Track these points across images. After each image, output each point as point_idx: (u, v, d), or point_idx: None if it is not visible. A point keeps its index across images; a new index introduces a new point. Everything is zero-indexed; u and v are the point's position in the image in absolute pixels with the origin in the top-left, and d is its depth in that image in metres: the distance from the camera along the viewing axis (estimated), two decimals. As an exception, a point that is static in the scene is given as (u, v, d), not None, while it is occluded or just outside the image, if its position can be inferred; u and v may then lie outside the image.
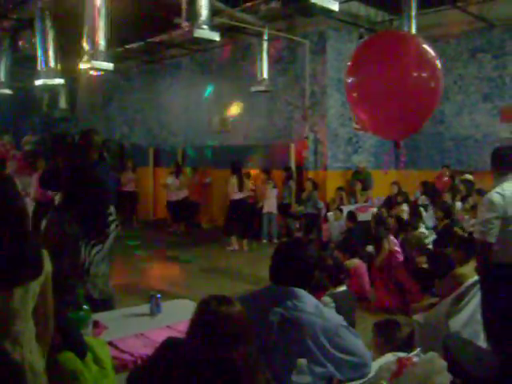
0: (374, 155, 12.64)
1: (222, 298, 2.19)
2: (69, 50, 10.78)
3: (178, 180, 12.95)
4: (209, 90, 13.86)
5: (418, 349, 2.98)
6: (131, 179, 14.20)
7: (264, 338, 2.51)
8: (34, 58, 10.49)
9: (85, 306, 3.11)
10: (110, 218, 4.20)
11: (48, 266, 2.43)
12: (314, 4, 6.04)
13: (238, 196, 10.90)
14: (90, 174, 4.24)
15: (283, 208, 11.53)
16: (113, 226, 4.20)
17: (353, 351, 2.60)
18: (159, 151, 15.51)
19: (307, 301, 2.62)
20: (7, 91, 12.03)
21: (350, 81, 4.65)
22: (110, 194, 4.41)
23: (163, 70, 15.09)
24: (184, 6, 7.63)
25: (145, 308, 3.84)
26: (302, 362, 2.26)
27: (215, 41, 7.52)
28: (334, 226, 10.02)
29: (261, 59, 11.44)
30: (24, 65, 12.59)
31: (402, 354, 2.96)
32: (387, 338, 3.83)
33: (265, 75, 11.38)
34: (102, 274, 4.18)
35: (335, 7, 6.33)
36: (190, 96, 14.26)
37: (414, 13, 8.89)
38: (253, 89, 11.51)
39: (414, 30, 8.81)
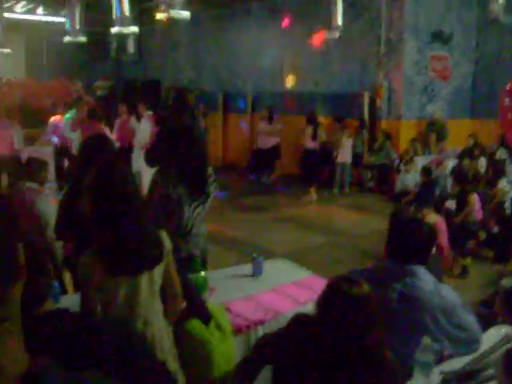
0: (449, 104, 12.24)
1: (351, 280, 2.15)
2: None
3: (271, 126, 12.46)
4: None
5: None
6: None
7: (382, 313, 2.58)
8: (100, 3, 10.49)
9: (202, 273, 3.25)
10: (211, 179, 4.29)
11: (168, 245, 2.50)
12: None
13: (311, 145, 10.89)
14: (188, 135, 4.31)
15: (355, 158, 11.44)
16: (213, 187, 4.30)
17: (467, 328, 2.66)
18: (228, 96, 15.50)
19: (425, 279, 2.67)
20: (82, 38, 12.17)
21: (507, 101, 4.52)
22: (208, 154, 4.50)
23: (233, 15, 14.89)
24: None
25: (246, 268, 4.00)
26: (427, 341, 2.34)
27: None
28: (407, 177, 9.93)
29: (335, 4, 11.11)
30: (92, 10, 12.69)
31: (505, 329, 2.95)
32: None
33: (339, 22, 11.06)
34: (202, 233, 4.31)
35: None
36: (260, 42, 14.05)
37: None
38: (326, 36, 11.23)
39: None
